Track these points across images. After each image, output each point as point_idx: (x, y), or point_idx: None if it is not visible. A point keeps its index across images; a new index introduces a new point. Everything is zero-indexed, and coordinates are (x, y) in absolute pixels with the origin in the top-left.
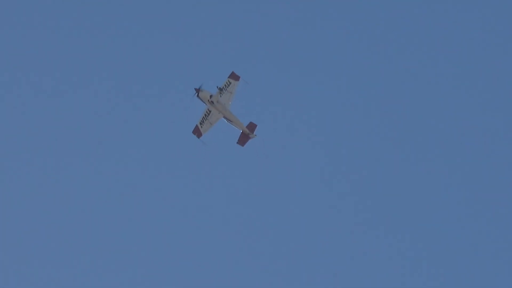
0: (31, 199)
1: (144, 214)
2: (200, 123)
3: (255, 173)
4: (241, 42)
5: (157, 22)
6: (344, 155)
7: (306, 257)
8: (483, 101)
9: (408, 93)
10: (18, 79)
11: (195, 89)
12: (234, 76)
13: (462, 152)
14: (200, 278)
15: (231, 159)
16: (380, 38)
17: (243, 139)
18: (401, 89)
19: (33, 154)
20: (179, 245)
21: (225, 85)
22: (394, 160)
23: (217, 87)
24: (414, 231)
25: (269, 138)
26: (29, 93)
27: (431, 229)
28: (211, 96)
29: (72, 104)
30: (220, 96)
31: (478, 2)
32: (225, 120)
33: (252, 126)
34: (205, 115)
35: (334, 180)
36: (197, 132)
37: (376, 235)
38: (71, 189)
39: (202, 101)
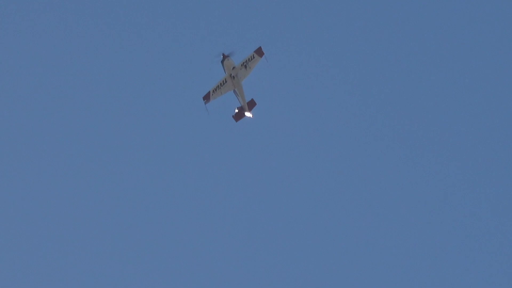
0: (38, 197)
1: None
2: (213, 91)
3: (248, 154)
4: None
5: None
6: (349, 151)
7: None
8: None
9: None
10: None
11: (223, 54)
12: (259, 52)
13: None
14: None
15: (226, 133)
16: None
17: (239, 114)
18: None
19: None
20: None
21: (249, 58)
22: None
23: (242, 63)
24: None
25: (270, 121)
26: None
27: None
28: (233, 68)
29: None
30: (240, 69)
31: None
32: (233, 92)
33: (252, 103)
34: (220, 84)
35: (334, 176)
36: (206, 98)
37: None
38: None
39: (223, 68)
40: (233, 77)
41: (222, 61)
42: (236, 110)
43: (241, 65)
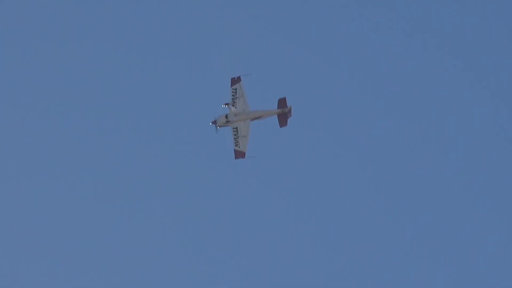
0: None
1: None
2: (236, 145)
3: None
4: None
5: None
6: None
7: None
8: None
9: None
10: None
11: (212, 123)
12: (234, 81)
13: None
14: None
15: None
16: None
17: (282, 120)
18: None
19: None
20: None
21: (232, 95)
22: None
23: (223, 104)
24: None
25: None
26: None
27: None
28: (226, 116)
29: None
30: (235, 107)
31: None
32: (256, 120)
33: (282, 102)
34: (234, 134)
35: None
36: (239, 154)
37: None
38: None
39: (223, 126)
40: (228, 121)
41: (217, 127)
42: (278, 120)
43: (231, 105)
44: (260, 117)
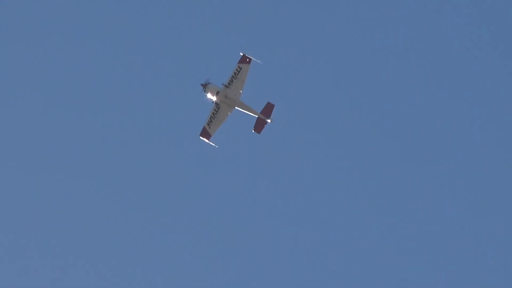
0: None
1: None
2: (208, 124)
3: (274, 166)
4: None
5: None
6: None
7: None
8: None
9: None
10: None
11: (202, 84)
12: (244, 60)
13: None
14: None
15: (248, 152)
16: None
17: (259, 125)
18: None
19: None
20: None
21: (234, 73)
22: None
23: (222, 84)
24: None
25: (285, 122)
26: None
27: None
28: (217, 93)
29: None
30: (230, 88)
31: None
32: (239, 110)
33: (269, 107)
34: (213, 113)
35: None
36: (205, 134)
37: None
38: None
39: (208, 96)
40: (217, 104)
41: (205, 91)
42: (255, 122)
43: (227, 85)
44: (245, 110)
